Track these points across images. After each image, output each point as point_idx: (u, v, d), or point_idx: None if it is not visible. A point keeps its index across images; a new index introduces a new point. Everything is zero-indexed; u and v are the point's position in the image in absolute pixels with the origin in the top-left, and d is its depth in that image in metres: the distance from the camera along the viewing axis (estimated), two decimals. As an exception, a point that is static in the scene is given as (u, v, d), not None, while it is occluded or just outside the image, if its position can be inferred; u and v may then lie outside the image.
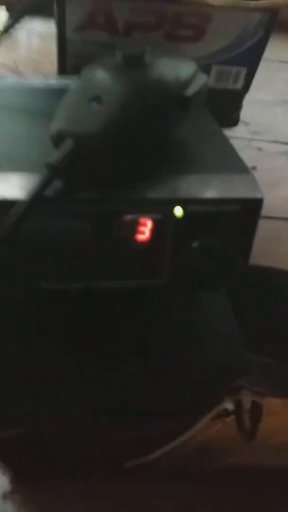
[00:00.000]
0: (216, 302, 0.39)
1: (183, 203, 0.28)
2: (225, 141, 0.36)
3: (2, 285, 0.31)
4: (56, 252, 0.30)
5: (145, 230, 0.29)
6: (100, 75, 0.31)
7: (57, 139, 0.28)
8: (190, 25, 0.54)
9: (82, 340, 0.35)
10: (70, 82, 0.32)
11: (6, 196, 0.27)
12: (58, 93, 0.42)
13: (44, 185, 0.27)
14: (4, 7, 0.82)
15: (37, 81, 0.48)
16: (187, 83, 0.31)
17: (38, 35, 0.77)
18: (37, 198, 0.27)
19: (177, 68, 0.32)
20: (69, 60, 0.58)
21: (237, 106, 0.62)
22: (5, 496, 1.02)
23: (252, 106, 0.69)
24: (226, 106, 0.63)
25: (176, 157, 0.33)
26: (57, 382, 0.34)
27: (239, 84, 0.59)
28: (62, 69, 0.58)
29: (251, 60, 0.57)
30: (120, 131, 0.29)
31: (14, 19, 0.42)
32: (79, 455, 0.49)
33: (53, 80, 0.50)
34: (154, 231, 0.29)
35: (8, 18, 0.43)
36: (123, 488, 0.59)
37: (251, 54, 0.56)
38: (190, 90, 0.31)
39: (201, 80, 0.33)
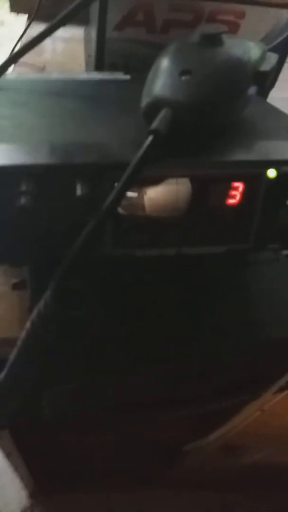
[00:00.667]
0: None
1: (276, 164, 0.30)
2: (284, 114, 0.39)
3: (98, 252, 0.32)
4: (149, 220, 0.31)
5: (236, 194, 0.31)
6: (185, 52, 0.33)
7: (154, 109, 0.30)
8: (224, 21, 0.56)
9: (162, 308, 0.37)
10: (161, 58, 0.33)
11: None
12: (106, 84, 0.45)
13: (148, 150, 0.28)
14: (26, 15, 0.84)
15: (83, 75, 0.50)
16: (261, 60, 0.34)
17: (61, 40, 0.80)
18: (142, 162, 0.28)
19: (250, 47, 0.34)
20: (106, 58, 0.60)
21: (264, 96, 0.65)
22: (25, 510, 1.01)
23: (275, 102, 0.72)
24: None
25: (251, 127, 0.35)
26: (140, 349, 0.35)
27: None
28: (100, 66, 0.60)
29: (281, 54, 0.59)
30: (210, 100, 0.31)
31: (51, 29, 0.44)
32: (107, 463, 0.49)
33: (96, 74, 0.53)
34: (245, 194, 0.31)
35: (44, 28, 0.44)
36: (142, 500, 0.60)
37: (280, 50, 0.59)
38: (266, 66, 0.33)
39: (273, 58, 0.35)
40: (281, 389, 0.49)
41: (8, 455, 0.78)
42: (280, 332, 0.40)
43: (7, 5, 0.86)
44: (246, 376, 0.45)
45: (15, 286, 0.41)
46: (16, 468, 0.88)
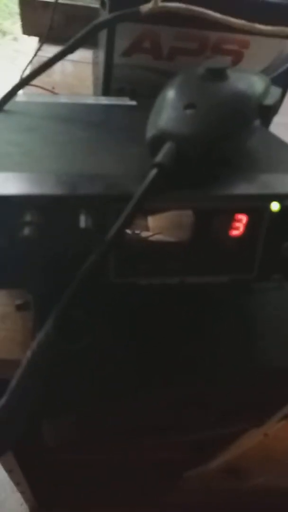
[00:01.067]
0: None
1: (279, 198, 0.30)
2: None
3: (100, 282, 0.32)
4: (153, 249, 0.32)
5: (240, 225, 0.31)
6: (190, 85, 0.33)
7: (159, 142, 0.31)
8: (229, 50, 0.57)
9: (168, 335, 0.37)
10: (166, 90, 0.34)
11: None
12: (113, 110, 0.46)
13: (152, 183, 0.29)
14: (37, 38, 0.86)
15: (90, 100, 0.51)
16: (265, 93, 0.34)
17: (70, 62, 0.81)
18: (145, 195, 0.29)
19: (255, 81, 0.35)
20: (114, 83, 0.61)
21: (267, 126, 0.66)
22: None
23: (277, 128, 0.73)
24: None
25: (255, 160, 0.35)
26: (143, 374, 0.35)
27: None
28: (107, 91, 0.61)
29: (284, 83, 0.60)
30: (214, 134, 0.31)
31: (60, 55, 0.45)
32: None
33: (104, 99, 0.54)
34: (248, 226, 0.31)
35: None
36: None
37: (283, 79, 0.60)
38: (270, 100, 0.34)
39: (277, 92, 0.35)
40: (285, 416, 0.49)
41: (9, 472, 0.77)
42: (284, 360, 0.40)
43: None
44: (249, 403, 0.45)
45: (19, 307, 0.41)
46: (17, 484, 0.87)
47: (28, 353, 0.28)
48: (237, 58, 0.59)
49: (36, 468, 0.68)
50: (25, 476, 0.73)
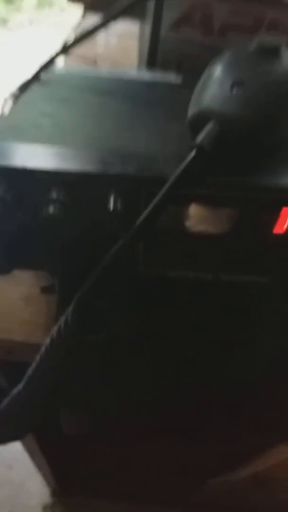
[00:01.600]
0: None
1: None
2: None
3: (126, 271, 0.30)
4: (185, 240, 0.29)
5: (285, 221, 0.28)
6: (239, 62, 0.30)
7: (201, 121, 0.28)
8: (285, 31, 0.53)
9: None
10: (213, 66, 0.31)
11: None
12: (156, 85, 0.43)
13: (190, 166, 0.26)
14: (82, 6, 0.83)
15: (132, 74, 0.48)
16: None
17: (115, 34, 0.78)
18: (182, 180, 0.26)
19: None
20: (159, 57, 0.58)
21: None
22: (46, 508, 1.01)
23: None
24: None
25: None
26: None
27: None
28: (152, 65, 0.58)
29: None
30: (262, 116, 0.28)
31: (104, 22, 0.42)
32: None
33: (147, 74, 0.51)
34: (294, 221, 0.28)
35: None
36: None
37: None
38: None
39: None
40: None
41: (31, 454, 0.78)
42: None
43: (68, -9, 0.86)
44: (282, 415, 0.42)
45: (44, 290, 0.40)
46: (39, 467, 0.88)
47: (47, 341, 0.26)
48: (293, 39, 0.55)
49: (57, 453, 0.68)
50: (46, 460, 0.73)
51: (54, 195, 0.26)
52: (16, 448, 1.12)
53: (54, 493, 1.05)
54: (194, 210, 0.29)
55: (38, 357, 0.27)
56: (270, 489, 0.59)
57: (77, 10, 0.87)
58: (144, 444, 0.45)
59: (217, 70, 0.31)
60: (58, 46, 0.45)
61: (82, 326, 0.25)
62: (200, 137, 0.27)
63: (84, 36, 0.44)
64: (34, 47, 2.37)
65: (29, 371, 0.28)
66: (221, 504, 0.70)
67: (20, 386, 0.29)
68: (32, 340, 0.39)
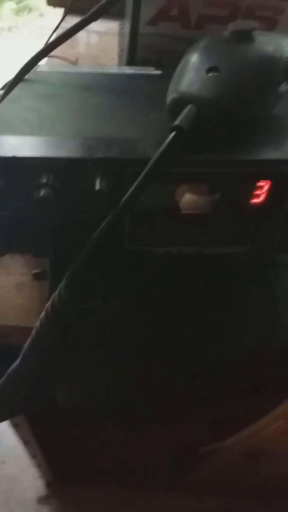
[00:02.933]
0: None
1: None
2: None
3: (114, 248, 0.32)
4: (169, 216, 0.31)
5: (262, 193, 0.30)
6: (214, 48, 0.32)
7: (179, 105, 0.30)
8: (262, 17, 0.55)
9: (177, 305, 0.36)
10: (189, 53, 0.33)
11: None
12: (137, 78, 0.45)
13: (170, 146, 0.28)
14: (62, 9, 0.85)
15: (113, 69, 0.50)
16: (292, 56, 0.33)
17: (96, 33, 0.80)
18: (163, 159, 0.28)
19: (282, 44, 0.33)
20: (139, 53, 0.59)
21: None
22: (41, 500, 1.02)
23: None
24: None
25: (281, 125, 0.34)
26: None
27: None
28: (132, 62, 0.60)
29: None
30: (236, 97, 0.30)
31: (84, 22, 0.44)
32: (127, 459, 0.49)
33: (128, 69, 0.52)
34: (271, 193, 0.30)
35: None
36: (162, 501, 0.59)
37: None
38: (298, 63, 0.32)
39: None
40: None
41: (26, 443, 0.79)
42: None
43: (47, -4, 0.87)
44: (266, 381, 0.44)
45: (36, 276, 0.41)
46: (33, 457, 0.89)
47: (42, 314, 0.28)
48: (271, 25, 0.57)
49: (51, 440, 0.70)
50: (40, 447, 0.74)
51: (44, 180, 0.28)
52: (8, 443, 1.13)
53: (49, 484, 1.06)
54: (177, 189, 0.31)
55: (33, 331, 0.29)
56: (261, 462, 0.61)
57: (57, 15, 0.88)
58: (132, 418, 0.47)
59: (194, 57, 0.33)
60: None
61: (75, 297, 0.26)
62: (178, 119, 0.29)
63: (64, 37, 0.45)
64: (15, 54, 2.38)
65: (25, 346, 0.30)
66: (216, 483, 0.71)
67: (17, 362, 0.31)
68: (26, 324, 0.40)
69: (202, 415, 0.43)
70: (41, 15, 2.90)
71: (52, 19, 0.96)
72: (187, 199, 0.31)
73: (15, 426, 0.63)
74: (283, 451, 0.63)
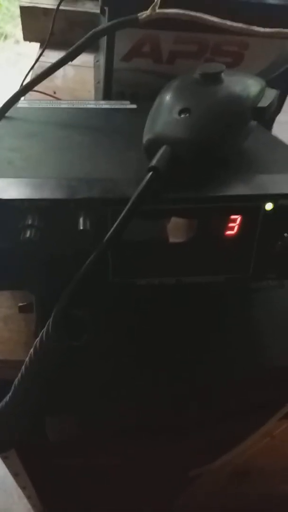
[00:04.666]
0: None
1: (273, 198, 0.31)
2: (285, 145, 0.40)
3: (99, 282, 0.33)
4: (150, 250, 0.33)
5: (234, 225, 0.32)
6: (185, 90, 0.34)
7: (154, 146, 0.32)
8: (229, 52, 0.58)
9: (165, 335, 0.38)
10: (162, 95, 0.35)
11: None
12: (113, 113, 0.47)
13: (147, 186, 0.30)
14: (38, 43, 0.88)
15: (91, 104, 0.52)
16: (259, 95, 0.35)
17: (72, 66, 0.82)
18: (142, 198, 0.29)
19: (249, 84, 0.36)
20: (114, 87, 0.62)
21: (269, 126, 0.66)
22: None
23: (280, 126, 0.73)
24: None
25: (250, 160, 0.36)
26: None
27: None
28: (108, 95, 0.62)
29: (284, 83, 0.61)
30: (207, 137, 0.32)
31: (61, 63, 0.46)
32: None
33: (104, 103, 0.55)
34: (243, 226, 0.32)
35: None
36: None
37: (285, 78, 0.61)
38: (264, 102, 0.35)
39: (272, 94, 0.36)
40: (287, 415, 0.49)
41: (15, 475, 0.78)
42: (284, 358, 0.40)
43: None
44: (250, 401, 0.45)
45: (21, 309, 0.42)
46: (23, 488, 0.88)
47: (31, 351, 0.29)
48: (237, 59, 0.60)
49: (41, 471, 0.69)
50: (30, 479, 0.74)
51: (29, 221, 0.29)
52: (5, 472, 1.11)
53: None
54: (156, 223, 0.33)
55: (22, 368, 0.30)
56: (250, 482, 0.61)
57: (32, 42, 0.91)
58: (123, 446, 0.48)
59: (166, 99, 0.35)
60: (16, 80, 0.48)
61: (63, 333, 0.28)
62: (154, 160, 0.31)
63: (43, 75, 0.47)
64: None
65: (15, 381, 0.31)
66: (207, 505, 0.71)
67: (6, 398, 0.32)
68: (13, 357, 0.41)
69: (193, 438, 0.44)
70: (17, 42, 2.94)
71: (28, 46, 0.99)
72: (168, 231, 0.33)
73: (5, 458, 0.63)
74: (270, 469, 0.65)
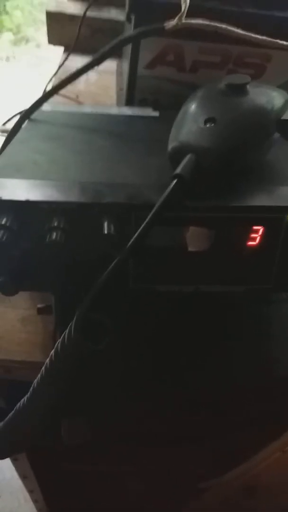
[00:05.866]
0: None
1: (295, 210, 0.31)
2: None
3: (121, 287, 0.34)
4: (170, 257, 0.33)
5: (257, 236, 0.32)
6: (211, 100, 0.35)
7: (179, 154, 0.32)
8: (251, 64, 0.58)
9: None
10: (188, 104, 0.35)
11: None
12: (136, 120, 0.47)
13: (172, 193, 0.30)
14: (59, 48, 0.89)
15: (114, 110, 0.52)
16: (284, 108, 0.35)
17: (95, 71, 0.83)
18: (166, 205, 0.30)
19: (274, 96, 0.36)
20: (137, 93, 0.63)
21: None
22: None
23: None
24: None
25: (273, 172, 0.36)
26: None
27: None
28: (130, 101, 0.63)
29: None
30: (232, 147, 0.33)
31: (88, 67, 0.47)
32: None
33: (127, 109, 0.55)
34: (265, 237, 0.32)
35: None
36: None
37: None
38: (288, 115, 0.35)
39: (296, 107, 0.36)
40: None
41: (24, 478, 0.79)
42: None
43: (43, 28, 0.91)
44: (264, 413, 0.45)
45: (40, 311, 0.43)
46: (30, 492, 0.88)
47: (52, 353, 0.29)
48: (260, 71, 0.60)
49: (49, 475, 0.69)
50: (38, 483, 0.74)
51: (55, 223, 0.30)
52: (4, 476, 1.11)
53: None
54: (179, 231, 0.33)
55: (42, 369, 0.30)
56: (258, 497, 0.61)
57: (53, 47, 0.92)
58: (134, 453, 0.48)
59: (192, 108, 0.35)
60: (36, 82, 0.49)
61: (84, 337, 0.28)
62: (179, 168, 0.31)
63: (68, 80, 0.48)
64: (13, 83, 2.43)
65: (34, 383, 0.31)
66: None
67: (24, 399, 0.32)
68: (31, 359, 0.41)
69: (204, 449, 0.44)
70: (38, 46, 2.98)
71: (49, 50, 1.00)
72: (189, 239, 0.33)
73: (14, 460, 0.64)
74: (279, 485, 0.64)
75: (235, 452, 0.46)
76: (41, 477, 0.66)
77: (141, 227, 0.29)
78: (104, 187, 0.32)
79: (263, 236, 0.32)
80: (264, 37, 0.45)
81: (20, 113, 0.47)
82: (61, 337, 0.29)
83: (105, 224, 0.30)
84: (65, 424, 0.37)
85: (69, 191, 0.31)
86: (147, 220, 0.29)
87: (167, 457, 0.47)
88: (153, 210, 0.29)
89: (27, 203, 0.30)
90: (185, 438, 0.43)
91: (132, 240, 0.29)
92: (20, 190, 0.31)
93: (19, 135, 0.43)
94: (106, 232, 0.30)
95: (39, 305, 0.42)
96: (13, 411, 0.33)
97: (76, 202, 0.30)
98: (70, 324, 0.29)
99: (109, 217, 0.30)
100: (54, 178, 0.33)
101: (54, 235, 0.29)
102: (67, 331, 0.29)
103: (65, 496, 0.81)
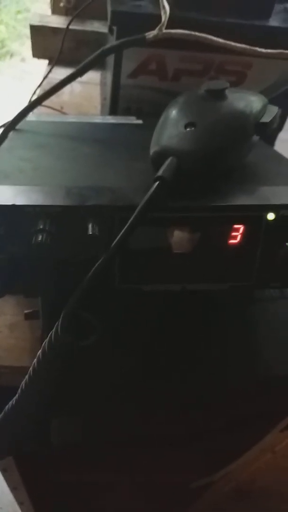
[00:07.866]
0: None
1: (275, 208, 0.32)
2: (286, 159, 0.41)
3: (107, 286, 0.34)
4: (155, 257, 0.34)
5: (237, 235, 0.33)
6: (191, 105, 0.36)
7: (161, 157, 0.33)
8: (232, 71, 0.60)
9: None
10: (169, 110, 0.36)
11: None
12: (120, 128, 0.48)
13: (154, 195, 0.31)
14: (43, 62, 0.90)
15: (98, 119, 0.53)
16: (262, 111, 0.37)
17: (79, 82, 0.84)
18: (148, 206, 0.31)
19: (252, 100, 0.38)
20: (121, 103, 0.64)
21: (271, 143, 0.68)
22: None
23: (282, 144, 0.75)
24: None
25: (253, 173, 0.37)
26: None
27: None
28: (114, 111, 0.64)
29: (285, 102, 0.63)
30: (212, 149, 0.34)
31: (70, 79, 0.48)
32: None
33: (110, 118, 0.57)
34: (246, 235, 0.33)
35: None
36: None
37: (286, 97, 0.63)
38: (266, 118, 0.36)
39: (274, 110, 0.38)
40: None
41: (14, 489, 0.78)
42: (284, 369, 0.41)
43: (28, 42, 0.93)
44: (250, 411, 0.46)
45: (27, 316, 0.43)
46: (21, 504, 0.87)
47: (39, 352, 0.30)
48: (241, 78, 0.62)
49: (39, 485, 0.69)
50: (28, 493, 0.73)
51: (41, 226, 0.30)
52: (2, 489, 1.09)
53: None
54: (162, 231, 0.34)
55: (30, 370, 0.31)
56: (253, 500, 0.61)
57: (38, 60, 0.93)
58: (130, 459, 0.48)
59: (172, 113, 0.36)
60: (21, 95, 0.50)
61: (72, 334, 0.29)
62: (161, 170, 0.32)
63: (52, 91, 0.49)
64: (-1, 96, 2.44)
65: (22, 384, 0.32)
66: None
67: (12, 401, 0.32)
68: (19, 364, 0.42)
69: (193, 448, 0.45)
70: (23, 60, 3.00)
71: (33, 64, 1.01)
72: (173, 240, 0.34)
73: (3, 471, 0.63)
74: (272, 488, 0.64)
75: (224, 451, 0.46)
76: (31, 488, 0.65)
77: (125, 227, 0.30)
78: (89, 190, 0.33)
79: (244, 235, 0.33)
80: (244, 46, 0.47)
81: (5, 124, 0.48)
82: (48, 336, 0.29)
83: (90, 226, 0.31)
84: (55, 424, 0.38)
85: (54, 195, 0.32)
86: (130, 220, 0.30)
87: (157, 459, 0.48)
88: (136, 211, 0.30)
89: (13, 208, 0.31)
90: (173, 438, 0.43)
91: (116, 239, 0.30)
92: (6, 195, 0.32)
93: (4, 145, 0.44)
94: (90, 233, 0.30)
95: (26, 311, 0.43)
96: (2, 414, 0.33)
97: (61, 205, 0.31)
98: (57, 323, 0.29)
99: (94, 219, 0.31)
100: (40, 184, 0.34)
101: (40, 237, 0.30)
102: (53, 329, 0.29)
103: (56, 507, 0.80)
